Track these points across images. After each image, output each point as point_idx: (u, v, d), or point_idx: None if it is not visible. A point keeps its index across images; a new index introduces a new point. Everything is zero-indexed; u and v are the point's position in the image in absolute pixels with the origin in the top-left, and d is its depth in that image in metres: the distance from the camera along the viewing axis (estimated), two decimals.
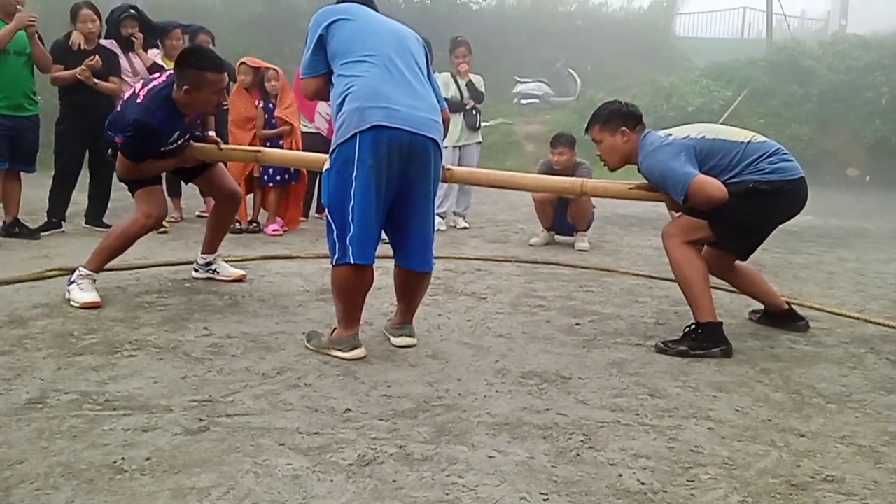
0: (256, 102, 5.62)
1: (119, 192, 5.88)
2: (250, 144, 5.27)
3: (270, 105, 5.64)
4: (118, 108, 3.51)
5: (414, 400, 2.35)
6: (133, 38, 5.47)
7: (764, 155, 3.03)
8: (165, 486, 1.75)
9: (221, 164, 3.90)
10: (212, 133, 3.75)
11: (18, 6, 4.68)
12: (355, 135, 2.55)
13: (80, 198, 5.47)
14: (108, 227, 5.23)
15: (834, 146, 13.46)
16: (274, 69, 5.68)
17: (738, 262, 3.36)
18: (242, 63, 5.68)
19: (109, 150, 3.52)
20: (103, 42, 5.34)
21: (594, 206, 5.71)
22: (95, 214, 5.43)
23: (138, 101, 3.27)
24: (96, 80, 5.11)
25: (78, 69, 5.02)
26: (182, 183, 6.04)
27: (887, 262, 5.52)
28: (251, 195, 5.70)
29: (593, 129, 3.25)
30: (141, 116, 3.21)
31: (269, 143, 5.47)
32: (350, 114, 2.57)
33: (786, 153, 3.10)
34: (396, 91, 2.61)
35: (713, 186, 2.92)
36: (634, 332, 3.29)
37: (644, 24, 19.19)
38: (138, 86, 3.41)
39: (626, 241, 6.14)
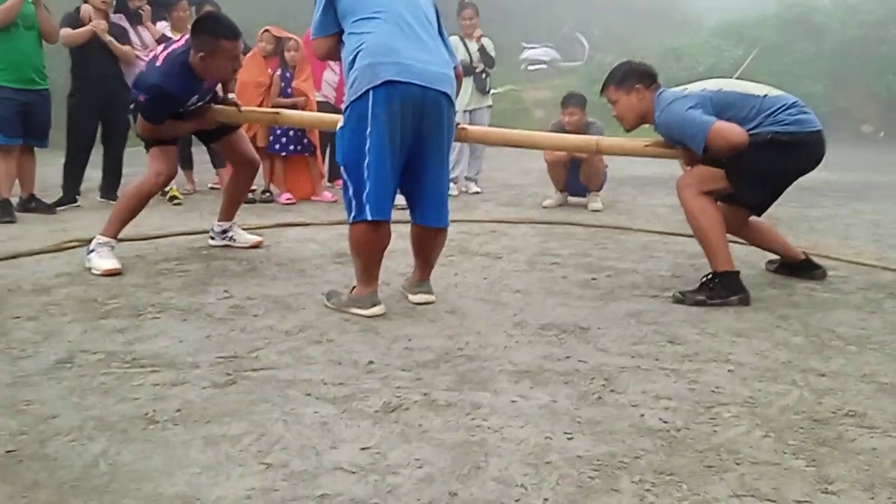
0: (270, 70, 5.60)
1: (132, 167, 5.94)
2: None
3: (288, 74, 5.62)
4: (143, 69, 3.56)
5: (435, 352, 2.38)
6: (141, 11, 5.47)
7: (783, 107, 3.01)
8: (198, 434, 1.78)
9: (242, 131, 3.93)
10: (232, 95, 3.76)
11: None
12: (368, 91, 2.55)
13: (92, 174, 5.50)
14: None
15: (848, 102, 13.30)
16: (295, 39, 5.66)
17: (752, 218, 3.35)
18: (266, 31, 5.69)
19: (132, 106, 3.54)
20: (112, 17, 5.33)
21: (606, 166, 5.69)
22: (110, 188, 5.46)
23: (157, 63, 3.32)
24: (111, 38, 5.11)
25: (92, 23, 5.02)
26: (192, 156, 6.09)
27: None
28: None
29: (608, 90, 3.23)
30: (159, 81, 3.26)
31: None
32: (362, 70, 2.56)
33: (804, 106, 3.07)
34: (408, 46, 2.60)
35: (734, 131, 2.90)
36: (651, 284, 3.30)
37: None
38: (159, 49, 3.45)
39: (639, 200, 6.12)
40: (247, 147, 3.88)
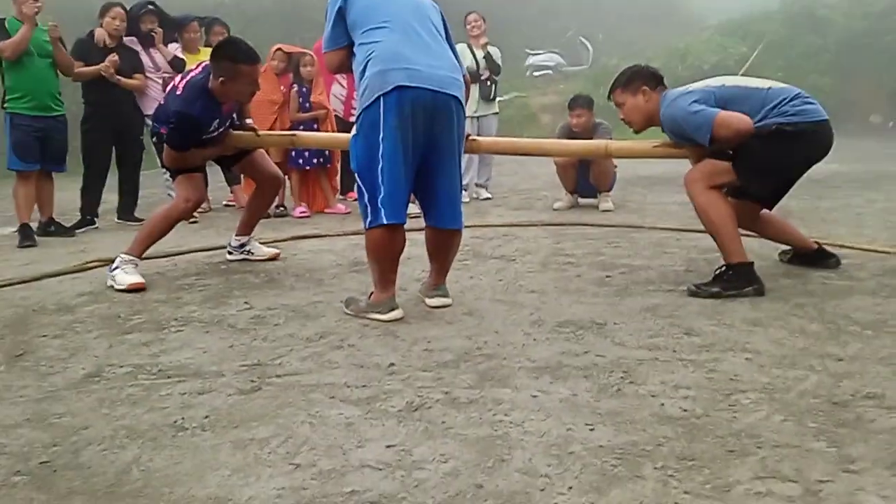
0: (283, 88, 5.66)
1: (148, 188, 6.04)
2: (271, 128, 5.33)
3: (304, 89, 5.69)
4: (162, 102, 3.65)
5: (454, 352, 2.41)
6: (153, 33, 5.57)
7: (786, 99, 3.03)
8: (226, 438, 1.83)
9: (262, 149, 4.00)
10: (249, 121, 3.86)
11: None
12: (379, 98, 2.60)
13: (109, 197, 5.59)
14: (140, 220, 5.37)
15: (855, 94, 13.22)
16: (311, 54, 5.73)
17: (763, 212, 3.36)
18: (279, 49, 5.74)
19: (154, 139, 3.67)
20: (125, 40, 5.44)
21: (615, 167, 5.71)
22: (127, 210, 5.56)
23: (178, 93, 3.43)
24: (119, 77, 5.22)
25: (102, 65, 5.13)
26: (207, 174, 6.16)
27: None
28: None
29: (616, 93, 3.28)
30: (181, 108, 3.36)
31: (302, 127, 5.53)
32: (372, 78, 2.62)
33: (808, 97, 3.09)
34: (416, 52, 2.65)
35: (738, 119, 2.93)
36: (665, 279, 3.32)
37: None
38: (177, 79, 3.57)
39: (649, 199, 6.13)
40: (269, 164, 3.97)
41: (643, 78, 3.22)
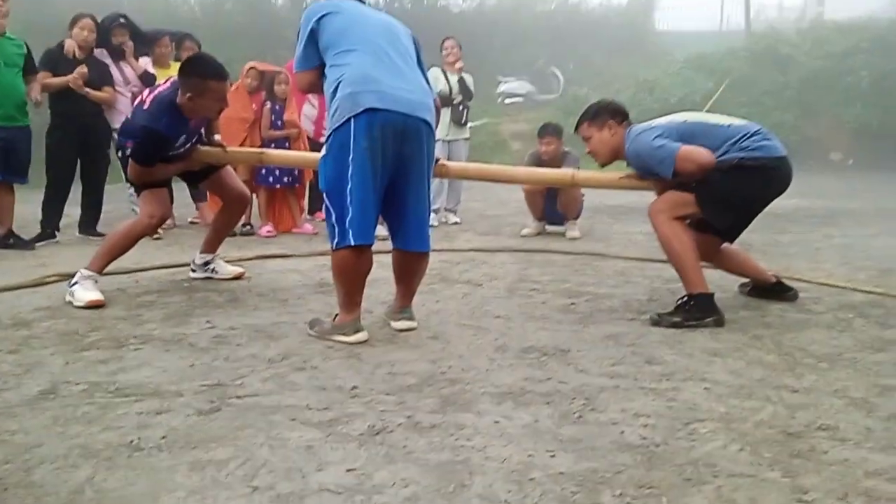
0: (255, 106, 5.64)
1: (111, 203, 5.94)
2: (241, 146, 5.30)
3: (278, 107, 5.67)
4: (129, 116, 3.60)
5: (418, 376, 2.41)
6: (124, 47, 5.52)
7: (746, 135, 3.12)
8: (183, 459, 1.79)
9: (229, 167, 3.97)
10: (217, 137, 3.83)
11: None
12: (349, 119, 2.61)
13: (71, 210, 5.49)
14: (102, 235, 5.28)
15: (817, 131, 13.63)
16: (285, 72, 5.71)
17: (724, 245, 3.44)
18: (252, 67, 5.72)
19: (120, 153, 3.62)
20: (95, 53, 5.39)
21: (583, 195, 5.79)
22: (89, 224, 5.46)
23: (145, 107, 3.39)
24: (88, 90, 5.16)
25: (70, 77, 5.07)
26: (173, 190, 6.09)
27: (873, 236, 5.63)
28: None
29: (582, 127, 3.36)
30: (148, 123, 3.32)
31: (274, 145, 5.51)
32: (343, 100, 2.63)
33: (767, 133, 3.19)
34: (387, 75, 2.68)
35: (700, 153, 3.01)
36: (629, 308, 3.36)
37: (624, 20, 19.37)
38: (145, 93, 3.53)
39: (615, 228, 6.22)
40: (236, 182, 3.93)
41: (609, 113, 3.30)
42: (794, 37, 15.67)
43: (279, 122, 5.67)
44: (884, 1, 18.68)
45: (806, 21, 18.70)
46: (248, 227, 5.70)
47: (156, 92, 3.44)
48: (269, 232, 5.64)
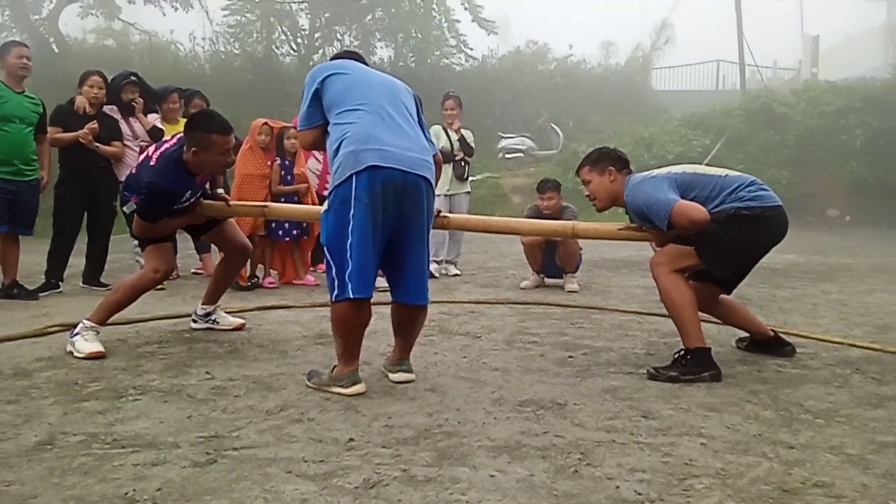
0: (269, 162, 5.72)
1: (116, 253, 6.01)
2: (264, 201, 5.31)
3: (287, 162, 5.74)
4: (133, 171, 3.66)
5: (415, 429, 2.42)
6: (134, 104, 5.66)
7: (742, 185, 3.19)
8: None
9: (232, 220, 4.02)
10: (220, 190, 3.90)
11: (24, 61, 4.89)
12: (352, 176, 2.68)
13: (75, 261, 5.55)
14: (106, 286, 5.34)
15: (813, 188, 13.78)
16: (294, 128, 5.80)
17: (722, 296, 3.48)
18: (265, 123, 5.79)
19: (125, 209, 3.66)
20: (105, 109, 5.53)
21: (581, 249, 5.85)
22: (93, 275, 5.51)
23: (151, 163, 3.45)
24: (97, 144, 5.28)
25: (80, 132, 5.20)
26: (177, 242, 6.16)
27: (869, 293, 5.65)
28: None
29: (583, 170, 3.43)
30: (154, 178, 3.39)
31: (283, 199, 5.58)
32: (346, 157, 2.71)
33: (762, 184, 3.26)
34: (388, 134, 2.76)
35: (694, 209, 3.06)
36: (626, 362, 3.37)
37: (622, 79, 19.79)
38: (151, 149, 3.59)
39: (614, 282, 6.26)
40: (238, 235, 3.98)
41: (610, 159, 3.38)
42: (788, 96, 15.97)
43: (289, 177, 5.74)
44: (877, 62, 19.17)
45: (800, 81, 19.12)
46: (256, 279, 5.70)
47: (162, 148, 3.52)
48: (270, 283, 5.68)
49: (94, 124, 5.26)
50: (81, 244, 5.56)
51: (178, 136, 3.55)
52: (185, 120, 5.72)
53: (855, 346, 3.70)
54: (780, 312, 4.74)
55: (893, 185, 13.18)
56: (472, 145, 6.61)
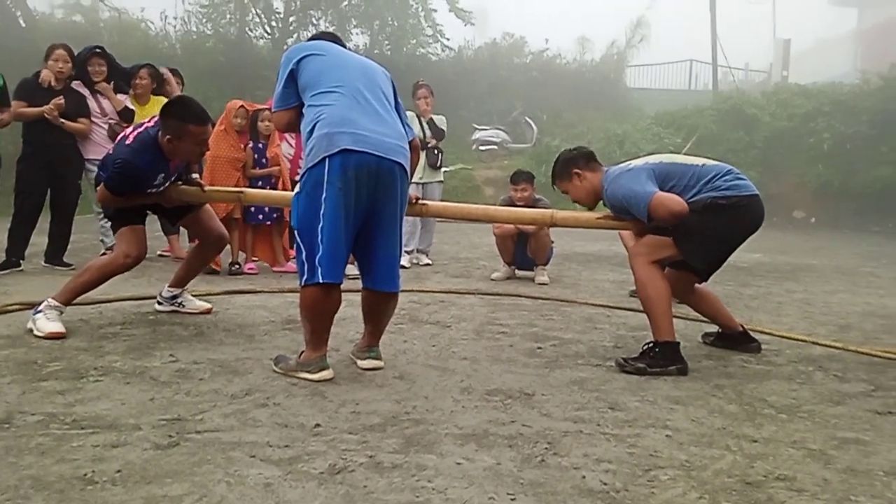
0: (243, 145, 5.57)
1: (79, 233, 5.87)
2: (236, 185, 5.18)
3: (260, 145, 5.61)
4: (110, 152, 3.58)
5: (382, 416, 2.40)
6: (103, 85, 5.49)
7: (718, 174, 3.22)
8: (137, 495, 1.76)
9: (209, 207, 3.93)
10: (195, 176, 3.82)
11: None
12: (324, 159, 2.64)
13: (37, 240, 5.41)
14: (68, 265, 5.22)
15: (780, 189, 13.98)
16: (269, 109, 5.66)
17: (697, 286, 3.51)
18: (241, 106, 5.62)
19: (97, 186, 3.58)
20: (73, 84, 5.38)
21: (553, 241, 5.86)
22: (55, 253, 5.37)
23: (127, 142, 3.39)
24: (63, 120, 5.14)
25: (46, 107, 5.05)
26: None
27: (833, 293, 5.76)
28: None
29: (557, 184, 3.52)
30: (129, 157, 3.33)
31: (259, 183, 5.48)
32: (319, 139, 2.67)
33: (739, 173, 3.29)
34: (364, 118, 2.72)
35: (673, 200, 3.08)
36: (594, 354, 3.39)
37: (596, 76, 19.86)
38: (128, 130, 3.52)
39: (584, 275, 6.28)
40: (215, 224, 3.89)
41: (573, 163, 3.42)
42: (759, 98, 16.19)
43: (263, 160, 5.61)
44: (846, 67, 19.53)
45: (771, 84, 19.39)
46: (237, 266, 5.55)
47: (140, 129, 3.44)
48: (250, 269, 5.57)
49: (60, 99, 5.11)
50: (44, 222, 5.42)
51: (156, 118, 3.47)
52: (158, 98, 5.62)
53: (818, 344, 3.76)
54: (745, 310, 4.81)
55: (858, 189, 13.46)
56: (443, 128, 6.57)
